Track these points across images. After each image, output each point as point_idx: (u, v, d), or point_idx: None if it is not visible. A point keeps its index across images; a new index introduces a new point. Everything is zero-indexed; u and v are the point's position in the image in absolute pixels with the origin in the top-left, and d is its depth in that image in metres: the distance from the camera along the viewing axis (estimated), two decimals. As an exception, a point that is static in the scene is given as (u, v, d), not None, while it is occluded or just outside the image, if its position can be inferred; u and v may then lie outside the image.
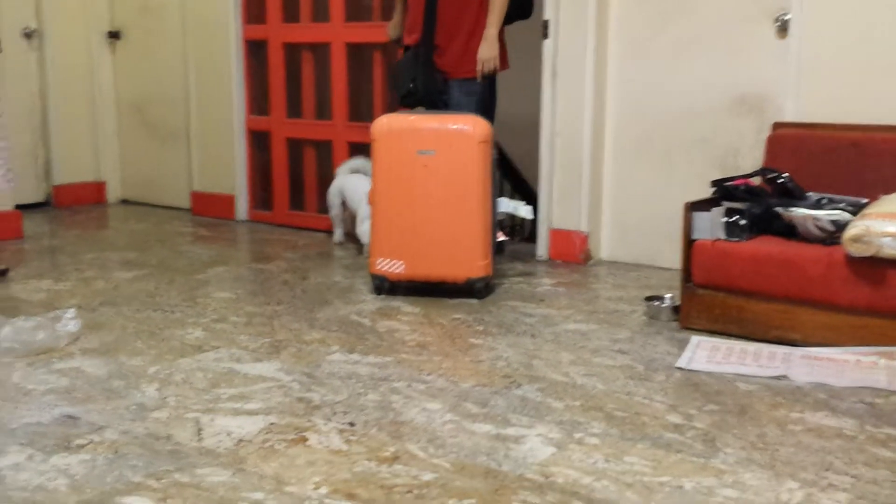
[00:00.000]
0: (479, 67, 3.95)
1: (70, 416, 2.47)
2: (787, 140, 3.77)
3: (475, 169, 3.64)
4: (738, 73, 4.12)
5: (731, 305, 3.25)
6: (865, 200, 3.41)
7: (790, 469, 2.17)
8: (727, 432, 2.39)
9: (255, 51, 5.70)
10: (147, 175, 6.42)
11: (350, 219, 4.81)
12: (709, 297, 3.30)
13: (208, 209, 5.96)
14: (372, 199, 3.78)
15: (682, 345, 3.17)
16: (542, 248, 4.61)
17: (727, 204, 3.29)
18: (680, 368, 2.91)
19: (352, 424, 2.42)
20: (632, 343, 3.20)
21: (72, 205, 6.32)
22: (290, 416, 2.48)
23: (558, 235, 4.58)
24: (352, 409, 2.54)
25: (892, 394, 2.68)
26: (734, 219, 3.26)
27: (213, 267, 4.43)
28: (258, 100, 5.79)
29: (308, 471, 2.13)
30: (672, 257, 4.27)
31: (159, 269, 4.35)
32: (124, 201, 6.55)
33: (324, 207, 5.09)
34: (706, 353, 3.05)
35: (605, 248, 4.61)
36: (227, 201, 5.87)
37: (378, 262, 3.75)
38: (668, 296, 3.60)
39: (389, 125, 3.72)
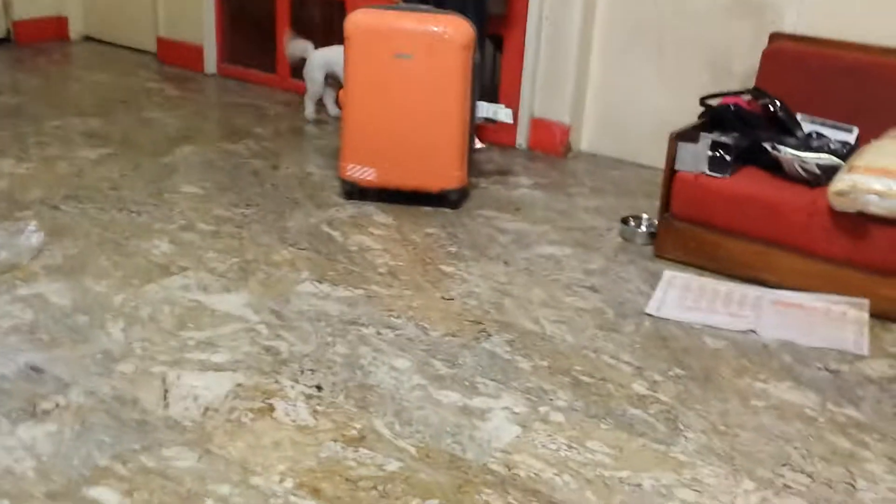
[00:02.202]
0: None
1: (35, 369, 2.44)
2: (783, 56, 3.60)
3: (455, 76, 3.46)
4: (739, -31, 3.87)
5: (708, 241, 3.21)
6: (856, 132, 3.33)
7: (748, 463, 2.21)
8: (690, 408, 2.42)
9: None
10: (111, 12, 6.08)
11: (336, 91, 4.63)
12: (686, 230, 3.25)
13: (175, 58, 5.70)
14: (343, 100, 3.61)
15: (655, 279, 3.16)
16: (522, 137, 4.49)
17: (713, 137, 3.17)
18: (650, 315, 2.91)
19: (319, 388, 2.42)
20: (604, 276, 3.18)
21: (34, 41, 6.02)
22: (257, 373, 2.47)
23: (539, 125, 4.45)
24: (319, 365, 2.53)
25: (856, 358, 2.71)
26: (719, 153, 3.16)
27: (179, 146, 4.28)
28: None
29: (274, 455, 2.14)
30: (653, 155, 4.18)
31: (124, 147, 4.20)
32: (88, 38, 6.24)
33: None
34: (677, 294, 3.04)
35: (587, 140, 4.50)
36: (195, 51, 5.60)
37: (349, 167, 3.63)
38: (644, 218, 3.55)
39: (365, 22, 3.49)
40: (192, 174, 3.95)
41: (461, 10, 3.71)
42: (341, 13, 4.91)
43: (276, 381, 2.44)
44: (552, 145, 4.42)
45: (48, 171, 3.85)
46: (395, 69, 3.46)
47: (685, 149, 3.21)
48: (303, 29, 4.98)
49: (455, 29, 3.43)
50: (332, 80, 4.63)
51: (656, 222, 3.43)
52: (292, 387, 2.42)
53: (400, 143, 3.55)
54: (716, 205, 3.16)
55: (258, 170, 4.03)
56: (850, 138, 3.35)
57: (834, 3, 3.66)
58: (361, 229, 3.45)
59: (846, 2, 3.64)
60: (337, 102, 4.66)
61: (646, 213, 3.60)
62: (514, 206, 3.78)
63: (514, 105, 4.41)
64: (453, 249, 3.33)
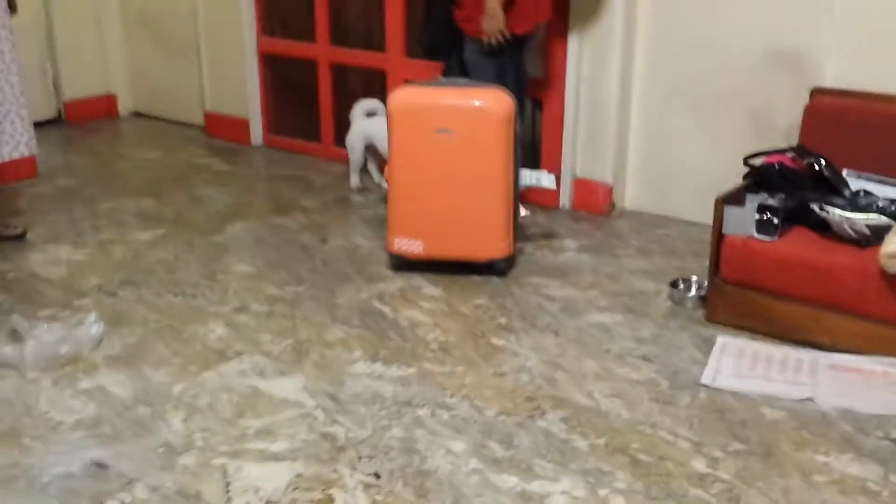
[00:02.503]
0: (485, 39, 3.74)
1: (100, 465, 2.49)
2: (825, 111, 3.59)
3: (496, 149, 3.51)
4: (775, 26, 3.89)
5: (759, 304, 3.19)
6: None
7: (814, 544, 2.18)
8: (752, 486, 2.40)
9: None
10: (158, 88, 6.26)
11: (378, 163, 4.70)
12: (737, 293, 3.23)
13: (222, 131, 5.84)
14: (388, 176, 3.67)
15: (708, 345, 3.14)
16: (565, 198, 4.51)
17: (760, 200, 3.16)
18: (705, 386, 2.89)
19: (377, 476, 2.44)
20: (656, 344, 3.17)
21: (84, 120, 6.20)
22: (315, 462, 2.50)
23: (582, 185, 4.47)
24: (376, 451, 2.55)
25: (919, 426, 2.66)
26: (767, 216, 3.15)
27: (230, 222, 4.37)
28: (274, 20, 5.55)
29: (336, 550, 2.16)
30: (698, 211, 4.20)
31: (176, 227, 4.30)
32: (136, 114, 6.42)
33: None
34: (731, 362, 3.02)
35: (630, 198, 4.51)
36: (242, 125, 5.73)
37: (396, 240, 3.68)
38: (693, 280, 3.53)
39: (406, 100, 3.56)
40: (244, 252, 4.03)
41: (501, 78, 3.77)
42: (381, 82, 5.02)
43: (335, 470, 2.47)
44: (596, 205, 4.44)
45: (104, 256, 3.95)
46: (437, 144, 3.52)
47: (732, 212, 3.20)
48: (346, 99, 5.08)
49: (495, 103, 3.48)
50: (372, 151, 4.71)
51: (706, 285, 3.42)
52: (350, 475, 2.44)
53: (446, 215, 3.60)
54: (766, 268, 3.14)
55: (307, 244, 4.10)
56: (901, 190, 3.32)
57: (871, 54, 3.65)
58: (411, 303, 3.49)
59: (884, 53, 3.63)
60: (381, 171, 4.74)
61: (694, 274, 3.59)
62: (561, 271, 3.79)
63: (555, 166, 4.46)
64: (503, 321, 3.35)
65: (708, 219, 4.03)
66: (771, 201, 3.17)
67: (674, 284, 3.53)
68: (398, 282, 3.68)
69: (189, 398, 2.83)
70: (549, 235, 4.18)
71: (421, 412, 2.75)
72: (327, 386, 2.90)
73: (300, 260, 3.92)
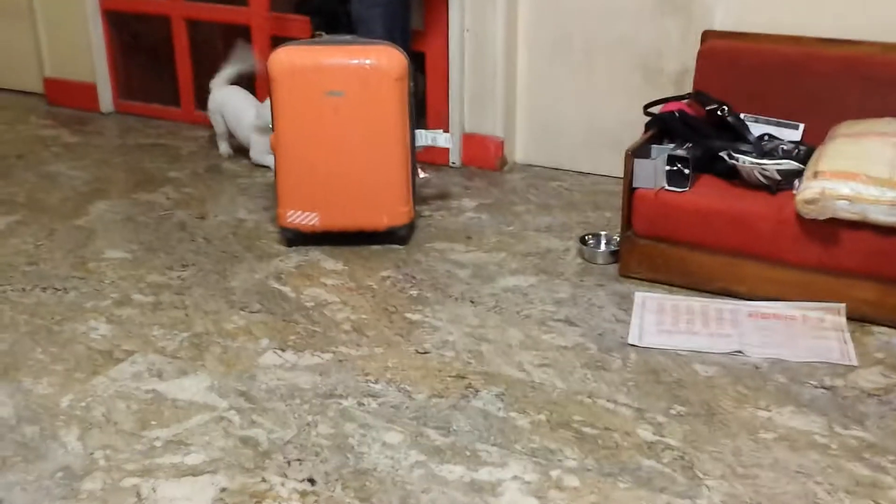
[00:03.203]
0: None
1: (-12, 502, 2.17)
2: (718, 54, 3.54)
3: (391, 109, 3.28)
4: (663, -32, 3.81)
5: (674, 256, 3.13)
6: (802, 128, 3.31)
7: (775, 506, 2.14)
8: (702, 450, 2.33)
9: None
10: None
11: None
12: (651, 247, 3.16)
13: (66, 98, 5.31)
14: (275, 145, 3.38)
15: (627, 302, 3.06)
16: (456, 154, 4.33)
17: (670, 151, 3.08)
18: (633, 345, 2.81)
19: (312, 482, 2.22)
20: (576, 306, 3.06)
21: None
22: (239, 472, 2.26)
23: (472, 140, 4.30)
24: (306, 452, 2.33)
25: (847, 370, 2.67)
26: (677, 167, 3.07)
27: (92, 202, 3.96)
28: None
29: (283, 574, 1.95)
30: (589, 161, 4.15)
31: (32, 211, 3.86)
32: (-36, 83, 5.77)
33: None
34: (654, 318, 2.95)
35: (521, 150, 4.38)
36: (88, 90, 5.23)
37: (288, 214, 3.41)
38: (602, 235, 3.45)
39: (291, 62, 3.26)
40: (114, 235, 3.65)
41: (391, 33, 3.53)
42: (246, 40, 4.66)
43: (264, 479, 2.23)
44: (487, 160, 4.29)
45: (-48, 250, 3.50)
46: (327, 107, 3.26)
47: (641, 165, 3.11)
48: (205, 58, 4.71)
49: (388, 60, 3.24)
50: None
51: (616, 239, 3.34)
52: (282, 484, 2.22)
53: (341, 183, 3.35)
54: (679, 219, 3.08)
55: (185, 221, 3.76)
56: (797, 135, 3.33)
57: (761, -4, 3.63)
58: (313, 280, 3.25)
59: (773, -5, 3.61)
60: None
61: (598, 227, 3.51)
62: (464, 233, 3.63)
63: (443, 122, 4.27)
64: (414, 293, 3.16)
65: (600, 169, 3.99)
66: (680, 151, 3.09)
67: (583, 240, 3.43)
68: (294, 258, 3.42)
69: (81, 411, 2.51)
70: (444, 195, 4.01)
71: (346, 403, 2.54)
72: (237, 383, 2.64)
73: (180, 240, 3.59)
